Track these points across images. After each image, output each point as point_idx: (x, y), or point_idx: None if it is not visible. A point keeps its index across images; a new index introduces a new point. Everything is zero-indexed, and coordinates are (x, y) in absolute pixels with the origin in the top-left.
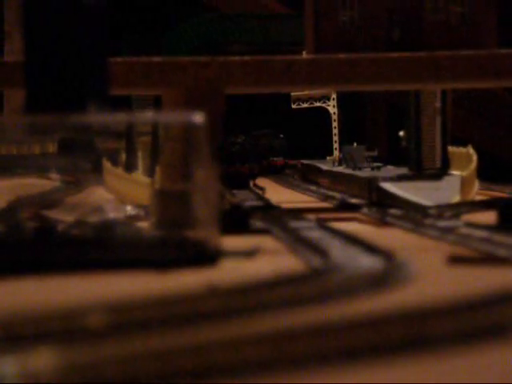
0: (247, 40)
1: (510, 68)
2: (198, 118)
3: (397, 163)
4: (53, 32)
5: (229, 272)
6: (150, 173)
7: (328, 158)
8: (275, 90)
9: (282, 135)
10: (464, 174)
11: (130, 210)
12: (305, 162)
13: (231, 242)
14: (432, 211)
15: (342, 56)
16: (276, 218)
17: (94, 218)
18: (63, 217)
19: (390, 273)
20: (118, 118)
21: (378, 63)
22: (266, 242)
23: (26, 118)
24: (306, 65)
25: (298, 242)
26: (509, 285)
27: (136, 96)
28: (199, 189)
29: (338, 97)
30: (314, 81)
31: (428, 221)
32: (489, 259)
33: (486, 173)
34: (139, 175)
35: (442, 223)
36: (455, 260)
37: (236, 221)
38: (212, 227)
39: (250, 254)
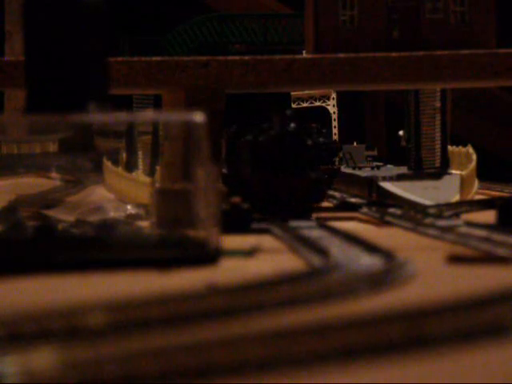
0: (247, 40)
1: (509, 67)
2: (198, 117)
3: (396, 162)
4: (53, 32)
5: (229, 271)
6: (151, 172)
7: None
8: (275, 89)
9: (325, 130)
10: (463, 173)
11: (130, 209)
12: None
13: (231, 240)
14: (432, 210)
15: (341, 56)
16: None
17: (94, 217)
18: (63, 216)
19: (390, 272)
20: (119, 118)
21: (377, 63)
22: (266, 241)
23: (27, 118)
24: (305, 64)
25: (298, 241)
26: (508, 284)
27: (137, 95)
28: (200, 188)
29: (337, 96)
30: (314, 80)
31: (428, 220)
32: (488, 258)
33: (487, 172)
34: (139, 174)
35: (442, 222)
36: (455, 259)
37: (236, 220)
38: (212, 226)
39: (250, 253)
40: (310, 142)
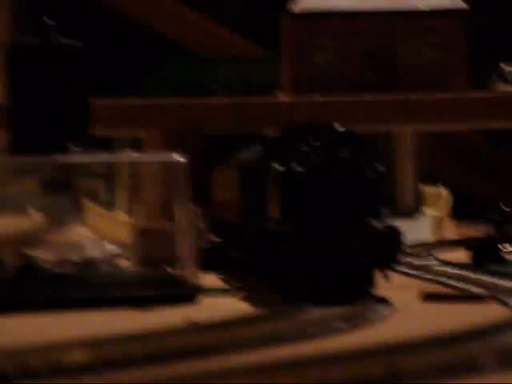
0: (225, 83)
1: (481, 111)
2: (179, 157)
3: None
4: (36, 76)
5: (208, 309)
6: (130, 211)
7: None
8: (254, 130)
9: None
10: (437, 213)
11: (110, 247)
12: None
13: (210, 279)
14: (407, 250)
15: (317, 99)
16: None
17: (75, 256)
18: (45, 255)
19: (369, 309)
20: (99, 158)
21: (352, 105)
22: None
23: (9, 159)
24: (283, 107)
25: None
26: (482, 321)
27: (117, 137)
28: (179, 227)
29: None
30: (291, 122)
31: (404, 259)
32: (463, 296)
33: (461, 212)
34: (119, 213)
35: (418, 261)
36: (430, 297)
37: (215, 259)
38: (192, 265)
39: (228, 290)
40: (372, 176)
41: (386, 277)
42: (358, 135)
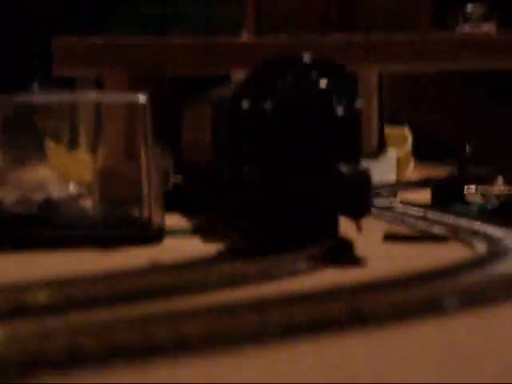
0: (189, 24)
1: (444, 51)
2: (141, 97)
3: None
4: None
5: (172, 250)
6: (94, 152)
7: None
8: (217, 72)
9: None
10: (399, 153)
11: (74, 188)
12: None
13: (175, 221)
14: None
15: (282, 39)
16: None
17: (38, 196)
18: (7, 195)
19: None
20: (62, 98)
21: (314, 46)
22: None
23: None
24: (247, 47)
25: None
26: (445, 261)
27: (79, 77)
28: (143, 168)
29: None
30: (255, 62)
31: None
32: (425, 237)
33: (425, 154)
34: (82, 153)
35: (379, 202)
36: (392, 238)
37: (180, 200)
38: (156, 206)
39: (193, 232)
40: (341, 112)
41: (358, 227)
42: (337, 65)
